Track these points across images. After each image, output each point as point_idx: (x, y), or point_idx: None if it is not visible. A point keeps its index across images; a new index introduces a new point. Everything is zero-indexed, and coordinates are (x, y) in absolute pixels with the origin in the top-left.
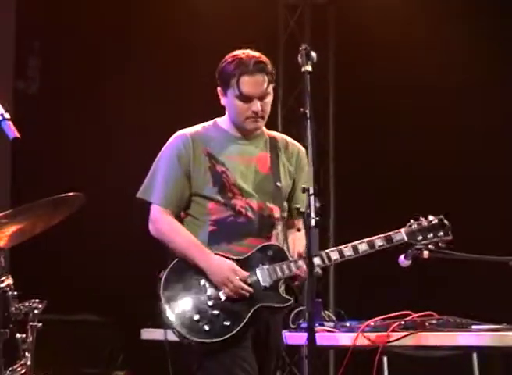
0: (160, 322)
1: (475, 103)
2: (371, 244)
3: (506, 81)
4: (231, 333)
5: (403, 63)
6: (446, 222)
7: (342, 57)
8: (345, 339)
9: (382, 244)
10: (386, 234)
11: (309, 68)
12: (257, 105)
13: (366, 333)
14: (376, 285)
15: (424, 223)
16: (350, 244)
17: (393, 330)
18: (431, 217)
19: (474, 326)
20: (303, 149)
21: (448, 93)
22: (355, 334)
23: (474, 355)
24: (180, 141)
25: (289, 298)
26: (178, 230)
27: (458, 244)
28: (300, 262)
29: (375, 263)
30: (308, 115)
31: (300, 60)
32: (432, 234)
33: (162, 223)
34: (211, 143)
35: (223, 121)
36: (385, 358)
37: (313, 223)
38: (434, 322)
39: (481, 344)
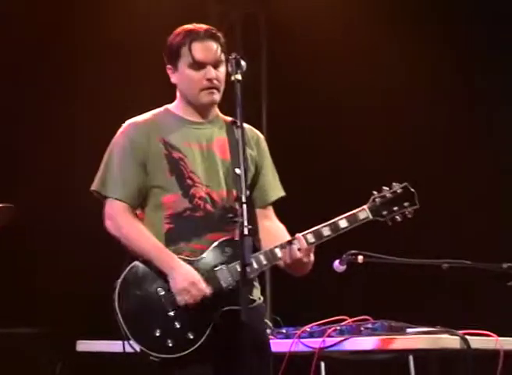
0: (118, 335)
1: (414, 103)
2: (334, 228)
3: (448, 83)
4: (196, 345)
5: (337, 67)
6: (410, 189)
7: (274, 64)
8: (281, 346)
9: (346, 225)
10: (349, 214)
11: (239, 77)
12: (211, 72)
13: (302, 340)
14: (313, 291)
15: (388, 194)
16: (311, 230)
17: (329, 336)
18: (395, 186)
19: (409, 330)
20: (261, 135)
21: (382, 93)
22: (291, 341)
23: (411, 358)
24: (133, 129)
25: (253, 297)
26: (140, 229)
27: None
28: (277, 250)
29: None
30: (239, 124)
31: (229, 69)
32: (397, 206)
33: (122, 220)
34: (165, 130)
35: (175, 106)
36: (322, 364)
37: (246, 231)
38: (369, 326)
39: (417, 347)
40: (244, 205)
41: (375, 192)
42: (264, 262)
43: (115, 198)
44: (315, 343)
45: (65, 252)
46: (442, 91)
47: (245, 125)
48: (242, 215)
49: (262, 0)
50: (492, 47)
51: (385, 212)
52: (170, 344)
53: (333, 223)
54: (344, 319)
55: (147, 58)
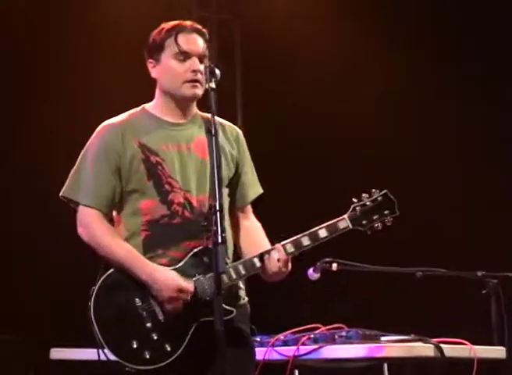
0: (93, 344)
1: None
2: (313, 237)
3: (422, 91)
4: (173, 357)
5: (311, 72)
6: (390, 197)
7: (249, 71)
8: (256, 354)
9: (325, 235)
10: (329, 223)
11: (213, 85)
12: (197, 64)
13: (276, 348)
14: (287, 299)
15: (368, 202)
16: (290, 240)
17: (303, 344)
18: (374, 193)
19: (383, 338)
20: (240, 131)
21: (358, 98)
22: (266, 349)
23: (385, 366)
24: (107, 132)
25: (230, 309)
26: (115, 238)
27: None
28: (265, 255)
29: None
30: (213, 132)
31: (204, 78)
32: (377, 215)
33: (95, 228)
34: (141, 132)
35: (153, 106)
36: (296, 372)
37: (220, 239)
38: (343, 334)
39: (391, 355)
40: (218, 213)
41: (354, 200)
42: (243, 272)
43: (89, 205)
44: (289, 351)
45: (41, 257)
46: (417, 94)
47: (223, 121)
48: (215, 223)
49: (236, 6)
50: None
51: (365, 222)
52: (147, 356)
53: (313, 232)
54: (318, 328)
55: (125, 60)
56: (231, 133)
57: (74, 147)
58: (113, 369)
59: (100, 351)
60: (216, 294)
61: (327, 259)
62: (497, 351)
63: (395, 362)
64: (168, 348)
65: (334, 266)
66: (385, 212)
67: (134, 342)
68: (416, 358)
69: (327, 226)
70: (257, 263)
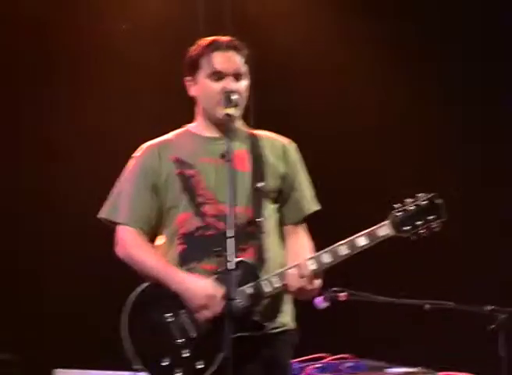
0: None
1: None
2: (352, 245)
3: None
4: None
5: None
6: (437, 201)
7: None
8: None
9: (365, 243)
10: (369, 230)
11: (229, 111)
12: (230, 84)
13: None
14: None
15: (411, 207)
16: (327, 249)
17: (308, 373)
18: (419, 197)
19: (389, 370)
20: (294, 144)
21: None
22: None
23: None
24: (145, 153)
25: (264, 324)
26: (147, 249)
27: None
28: (290, 271)
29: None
30: (228, 158)
31: (216, 100)
32: (421, 220)
33: (130, 243)
34: (179, 148)
35: (194, 125)
36: None
37: (232, 265)
38: (349, 365)
39: None
40: (231, 239)
41: (395, 205)
42: (276, 285)
43: (124, 224)
44: None
45: (46, 273)
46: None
47: (272, 135)
48: (228, 249)
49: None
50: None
51: (407, 228)
52: (178, 374)
53: (351, 241)
54: (324, 357)
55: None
56: (279, 147)
57: (78, 160)
58: None
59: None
60: (228, 320)
61: (335, 288)
62: None
63: None
64: (200, 366)
65: (342, 295)
66: (431, 216)
67: (165, 359)
68: None
69: (367, 233)
70: (276, 283)
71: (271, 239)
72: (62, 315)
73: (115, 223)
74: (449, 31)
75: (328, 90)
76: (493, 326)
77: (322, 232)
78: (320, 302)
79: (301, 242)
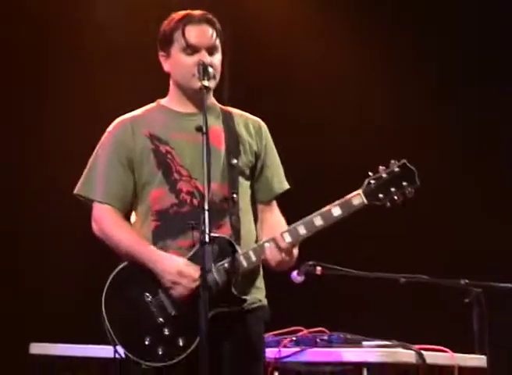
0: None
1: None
2: (326, 216)
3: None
4: (187, 352)
5: (301, 80)
6: (409, 167)
7: (239, 75)
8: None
9: (339, 213)
10: (342, 200)
11: (206, 83)
12: (205, 57)
13: None
14: (270, 301)
15: (384, 175)
16: (301, 221)
17: (285, 346)
18: (392, 165)
19: (364, 343)
20: (263, 124)
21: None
22: None
23: (365, 371)
24: (118, 128)
25: (244, 297)
26: (123, 228)
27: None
28: (266, 244)
29: (268, 277)
30: (204, 131)
31: (197, 75)
32: (394, 187)
33: (106, 221)
34: (153, 124)
35: (167, 99)
36: (276, 374)
37: (207, 238)
38: (325, 338)
39: (371, 360)
40: (206, 213)
41: (370, 173)
42: (254, 259)
43: (101, 201)
44: (271, 353)
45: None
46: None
47: (245, 114)
48: (204, 222)
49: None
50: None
51: (381, 195)
52: (160, 352)
53: (325, 211)
54: (300, 330)
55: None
56: (253, 126)
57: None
58: (130, 367)
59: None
60: (203, 292)
61: (311, 262)
62: (478, 360)
63: (375, 368)
64: (182, 343)
65: (318, 269)
66: (404, 183)
67: (146, 338)
68: (397, 364)
69: (340, 203)
70: (254, 257)
71: (245, 216)
72: (39, 290)
73: (91, 200)
74: (446, 33)
75: (306, 72)
76: (467, 299)
77: (296, 211)
78: (296, 277)
79: (276, 217)
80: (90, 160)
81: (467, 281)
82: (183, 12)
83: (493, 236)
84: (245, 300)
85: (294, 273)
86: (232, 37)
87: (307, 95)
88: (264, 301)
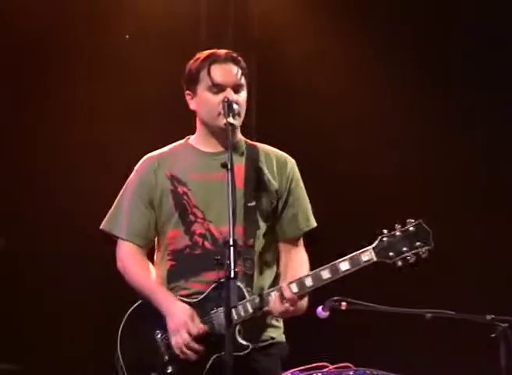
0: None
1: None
2: (334, 270)
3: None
4: None
5: (330, 112)
6: (424, 227)
7: (265, 105)
8: None
9: (347, 268)
10: (351, 255)
11: (231, 120)
12: (231, 95)
13: None
14: (295, 335)
15: (398, 233)
16: (309, 273)
17: None
18: (408, 223)
19: None
20: (292, 160)
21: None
22: None
23: None
24: (145, 166)
25: (246, 343)
26: (143, 269)
27: None
28: (272, 295)
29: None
30: (230, 167)
31: (221, 112)
32: (406, 247)
33: (129, 262)
34: (177, 164)
35: (194, 138)
36: None
37: (232, 274)
38: (351, 373)
39: None
40: (231, 248)
41: (384, 231)
42: (250, 311)
43: (125, 239)
44: None
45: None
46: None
47: (272, 150)
48: (229, 257)
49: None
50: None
51: (392, 253)
52: None
53: (333, 265)
54: (326, 366)
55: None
56: (277, 162)
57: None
58: None
59: None
60: (227, 328)
61: (336, 298)
62: None
63: None
64: None
65: (343, 304)
66: (418, 243)
67: (152, 374)
68: None
69: (350, 258)
70: (258, 303)
71: (262, 260)
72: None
73: (116, 237)
74: (447, 40)
75: (332, 105)
76: (494, 334)
77: (320, 249)
78: (321, 312)
79: (300, 259)
80: (118, 197)
81: (493, 316)
82: (208, 52)
83: None
84: (248, 346)
85: (319, 309)
86: (257, 73)
87: (333, 127)
88: (280, 338)
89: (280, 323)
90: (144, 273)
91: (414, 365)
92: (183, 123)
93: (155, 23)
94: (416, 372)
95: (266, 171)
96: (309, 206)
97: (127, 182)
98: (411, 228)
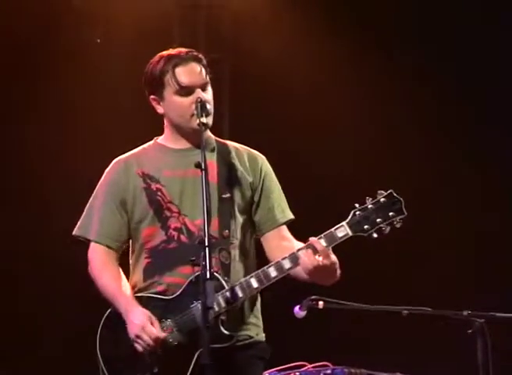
0: None
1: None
2: (311, 248)
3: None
4: None
5: (303, 112)
6: (396, 196)
7: (238, 111)
8: None
9: (324, 245)
10: (326, 232)
11: (204, 120)
12: (200, 94)
13: None
14: (273, 336)
15: (370, 205)
16: (285, 255)
17: None
18: (379, 195)
19: None
20: (262, 156)
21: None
22: None
23: None
24: (113, 169)
25: (231, 334)
26: (109, 273)
27: None
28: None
29: (271, 310)
30: (203, 167)
31: (195, 112)
32: (380, 218)
33: (95, 263)
34: (147, 162)
35: (163, 137)
36: None
37: (208, 275)
38: (329, 372)
39: None
40: (207, 249)
41: (356, 205)
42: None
43: (95, 241)
44: None
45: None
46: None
47: (242, 147)
48: (204, 258)
49: (224, 45)
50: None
51: (366, 226)
52: None
53: (310, 244)
54: (304, 365)
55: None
56: (248, 158)
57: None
58: None
59: None
60: (205, 328)
61: (313, 297)
62: None
63: None
64: None
65: (320, 303)
66: (391, 213)
67: None
68: None
69: (324, 235)
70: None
71: (238, 250)
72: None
73: (88, 240)
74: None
75: (304, 104)
76: (471, 330)
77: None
78: (298, 312)
79: (287, 242)
80: (89, 202)
81: (469, 312)
82: (166, 53)
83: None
84: (233, 336)
85: (297, 308)
86: (231, 73)
87: (306, 127)
88: (259, 338)
89: (256, 321)
90: (110, 278)
91: (391, 362)
92: (155, 126)
93: (127, 25)
94: (394, 369)
95: (239, 165)
96: (284, 198)
97: (97, 186)
98: (382, 199)
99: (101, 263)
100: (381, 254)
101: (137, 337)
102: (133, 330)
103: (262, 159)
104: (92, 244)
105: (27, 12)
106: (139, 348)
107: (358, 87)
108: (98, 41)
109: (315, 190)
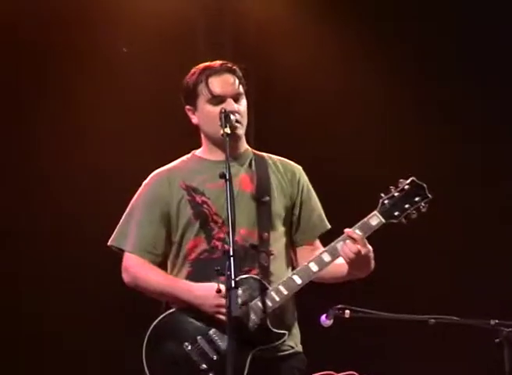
0: None
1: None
2: (349, 239)
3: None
4: None
5: (328, 121)
6: (418, 183)
7: (264, 119)
8: None
9: (360, 234)
10: (360, 223)
11: (228, 130)
12: (232, 105)
13: None
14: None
15: (396, 193)
16: (323, 249)
17: None
18: (401, 183)
19: None
20: (299, 167)
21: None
22: None
23: None
24: (154, 180)
25: (282, 332)
26: (151, 270)
27: None
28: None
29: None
30: (228, 177)
31: (219, 123)
32: (408, 204)
33: (134, 266)
34: (188, 175)
35: (201, 150)
36: None
37: (233, 284)
38: None
39: None
40: (231, 259)
41: (382, 194)
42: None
43: (130, 252)
44: None
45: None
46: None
47: (279, 158)
48: (229, 268)
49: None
50: None
51: (397, 213)
52: None
53: (346, 234)
54: (330, 374)
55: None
56: (286, 170)
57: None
58: None
59: None
60: (230, 337)
61: (339, 306)
62: None
63: None
64: None
65: (347, 312)
66: (417, 198)
67: None
68: None
69: (359, 225)
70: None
71: (277, 262)
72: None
73: (123, 251)
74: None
75: (330, 113)
76: (498, 339)
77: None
78: (324, 320)
79: (319, 249)
80: (126, 212)
81: (496, 321)
82: (203, 65)
83: None
84: (284, 334)
85: (323, 317)
86: (256, 83)
87: (333, 137)
88: (298, 348)
89: (296, 331)
90: (155, 273)
91: (417, 371)
92: (167, 126)
93: (153, 34)
94: None
95: (277, 177)
96: (321, 208)
97: (136, 196)
98: (406, 186)
99: (140, 265)
100: (404, 262)
101: (218, 305)
102: (208, 301)
103: (300, 171)
104: (126, 254)
105: (38, 11)
106: (222, 316)
107: (385, 97)
108: (125, 50)
109: (343, 196)
